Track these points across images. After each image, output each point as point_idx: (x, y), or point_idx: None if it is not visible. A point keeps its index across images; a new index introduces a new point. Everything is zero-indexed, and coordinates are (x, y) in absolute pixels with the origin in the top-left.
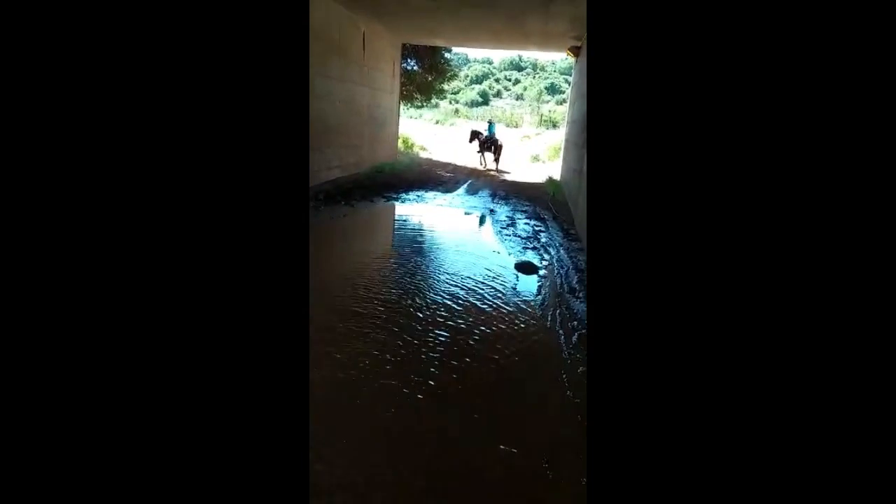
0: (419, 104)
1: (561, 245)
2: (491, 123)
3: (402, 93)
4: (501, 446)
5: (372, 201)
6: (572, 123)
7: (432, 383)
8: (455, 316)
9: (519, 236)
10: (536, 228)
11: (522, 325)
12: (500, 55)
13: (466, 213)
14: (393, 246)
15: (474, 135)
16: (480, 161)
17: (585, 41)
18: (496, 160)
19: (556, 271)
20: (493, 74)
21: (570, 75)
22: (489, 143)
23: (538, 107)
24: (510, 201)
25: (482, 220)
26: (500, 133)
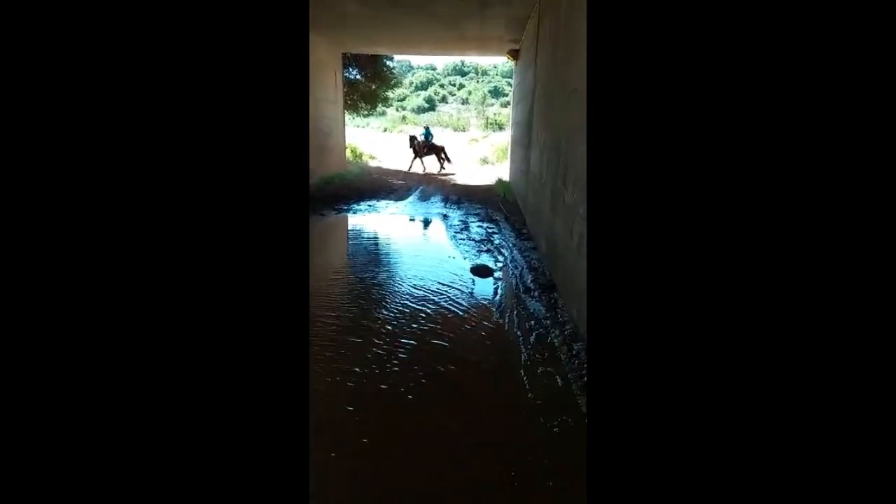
0: (365, 113)
1: (514, 245)
2: (427, 129)
3: (346, 102)
4: (469, 451)
5: (323, 214)
6: (517, 125)
7: (402, 390)
8: (416, 323)
9: (473, 240)
10: (489, 231)
11: (481, 329)
12: (443, 61)
13: (417, 220)
14: (349, 258)
15: (412, 139)
16: (410, 166)
17: (529, 42)
18: (445, 162)
19: (510, 272)
20: (438, 80)
21: (512, 78)
22: (427, 148)
23: (483, 110)
24: (462, 205)
25: (435, 226)
26: (440, 137)
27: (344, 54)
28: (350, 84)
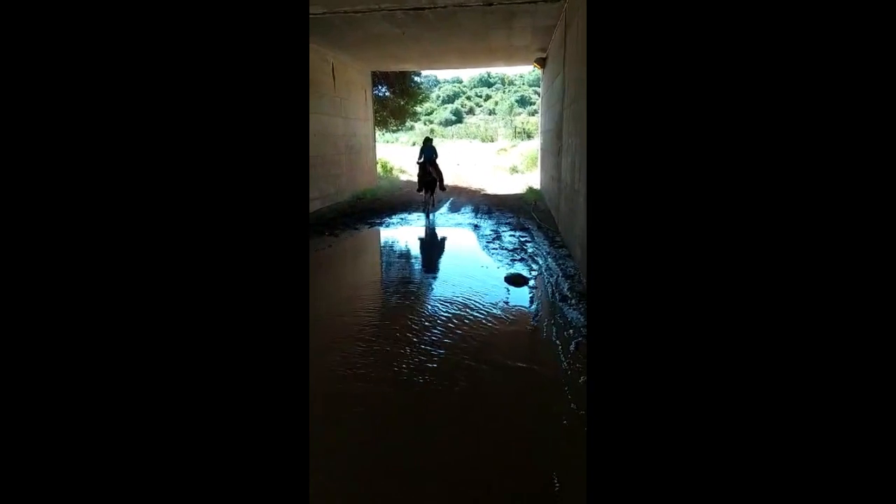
0: (394, 128)
1: (548, 253)
2: (428, 142)
3: (376, 119)
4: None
5: (356, 229)
6: (546, 133)
7: (433, 406)
8: (450, 334)
9: (506, 249)
10: (522, 239)
11: (519, 338)
12: (468, 73)
13: (449, 231)
14: (382, 271)
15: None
16: (427, 203)
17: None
18: (438, 187)
19: (545, 280)
20: (464, 92)
21: (539, 87)
22: (426, 173)
23: (511, 119)
24: (493, 215)
25: (467, 236)
26: (452, 154)
27: (373, 73)
28: (379, 101)
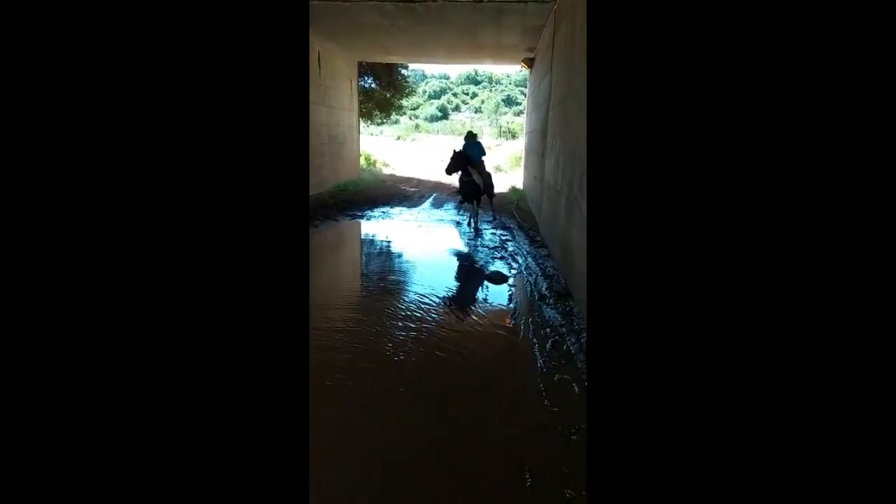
0: (379, 121)
1: (528, 253)
2: (472, 137)
3: (360, 110)
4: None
5: (336, 220)
6: (531, 133)
7: (410, 400)
8: (428, 330)
9: (487, 247)
10: (503, 238)
11: (496, 336)
12: (456, 70)
13: (430, 227)
14: (361, 265)
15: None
16: (469, 220)
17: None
18: (488, 197)
19: (525, 279)
20: (451, 89)
21: (526, 87)
22: (468, 178)
23: (496, 119)
24: None
25: (448, 233)
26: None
27: (360, 63)
28: (365, 92)
